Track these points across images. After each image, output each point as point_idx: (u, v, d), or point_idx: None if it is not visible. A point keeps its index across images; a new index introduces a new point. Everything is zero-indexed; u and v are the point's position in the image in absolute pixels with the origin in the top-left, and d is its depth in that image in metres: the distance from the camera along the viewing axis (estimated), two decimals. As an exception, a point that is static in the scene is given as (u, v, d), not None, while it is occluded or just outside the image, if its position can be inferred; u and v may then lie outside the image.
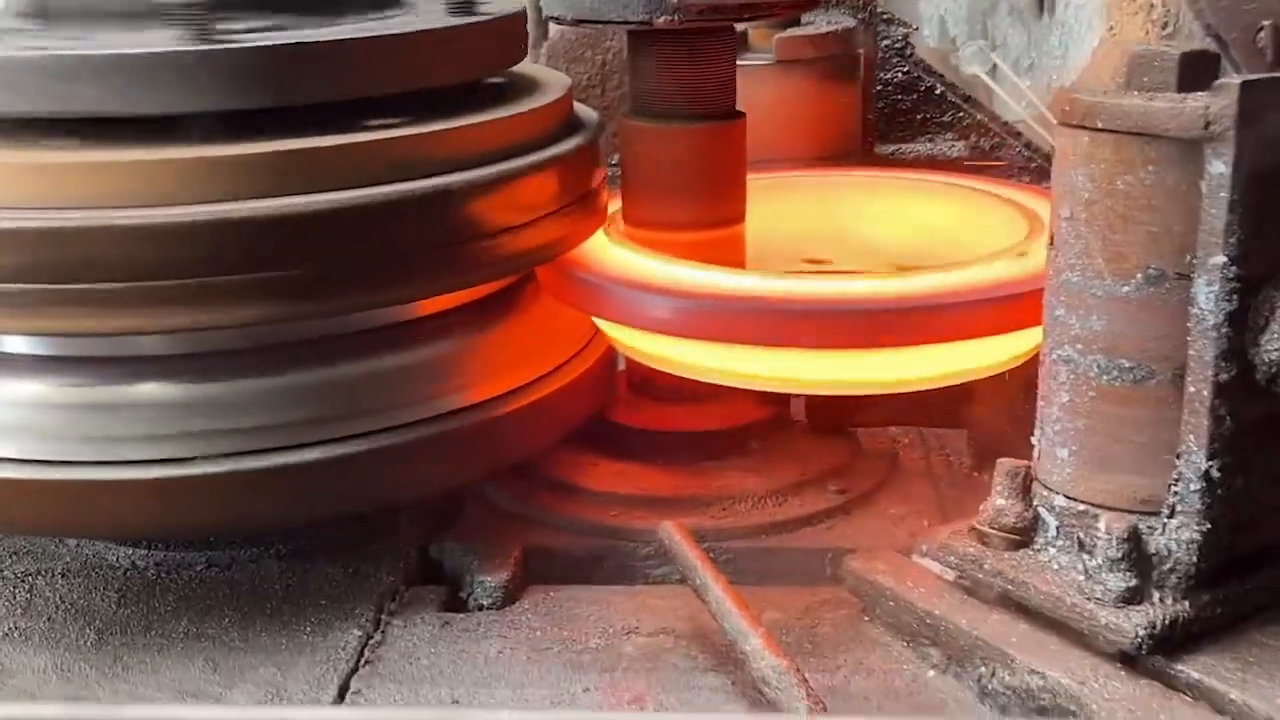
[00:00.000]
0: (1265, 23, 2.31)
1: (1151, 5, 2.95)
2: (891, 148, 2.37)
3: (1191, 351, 1.15)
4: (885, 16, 2.51)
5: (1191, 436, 1.16)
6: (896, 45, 2.56)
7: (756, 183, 1.69)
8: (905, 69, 2.57)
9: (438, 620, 1.39)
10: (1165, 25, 2.85)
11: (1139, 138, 1.16)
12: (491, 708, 1.22)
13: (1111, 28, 3.38)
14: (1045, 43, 4.43)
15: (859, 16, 2.16)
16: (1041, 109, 3.82)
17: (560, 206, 1.52)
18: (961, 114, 2.61)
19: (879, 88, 2.52)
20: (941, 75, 2.63)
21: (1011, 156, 2.59)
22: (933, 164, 2.39)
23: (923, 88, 2.58)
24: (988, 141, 2.63)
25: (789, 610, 1.40)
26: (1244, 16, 2.34)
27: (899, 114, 2.56)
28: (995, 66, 4.36)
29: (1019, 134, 2.63)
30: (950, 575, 1.33)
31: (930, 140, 2.55)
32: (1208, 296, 1.13)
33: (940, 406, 1.74)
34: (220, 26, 1.33)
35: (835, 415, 1.73)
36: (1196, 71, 1.18)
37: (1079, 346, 1.23)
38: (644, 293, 1.47)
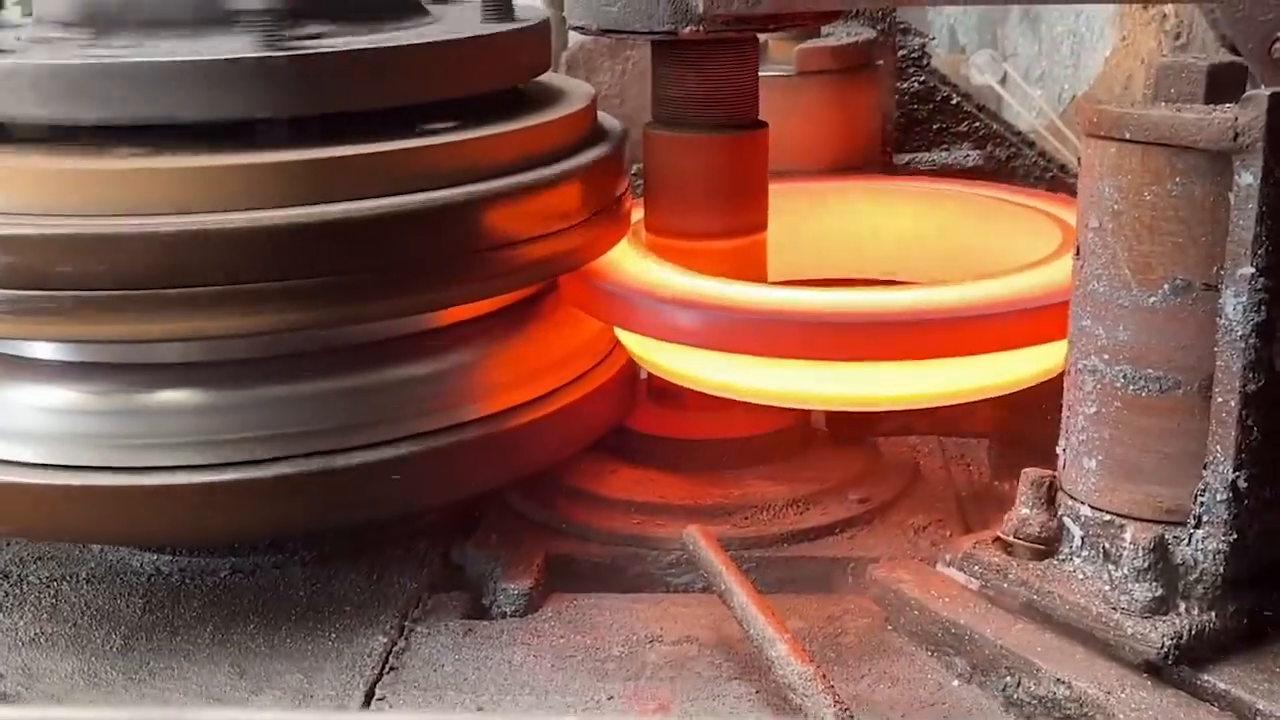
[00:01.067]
0: (1280, 33, 2.31)
1: (1164, 15, 2.96)
2: (907, 157, 2.38)
3: (1219, 362, 1.16)
4: (902, 26, 2.52)
5: (1218, 447, 1.17)
6: (913, 55, 2.57)
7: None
8: (922, 79, 2.58)
9: (461, 627, 1.40)
10: (1178, 35, 2.87)
11: (1167, 149, 1.16)
12: (520, 713, 1.23)
13: (1124, 37, 3.38)
14: (1056, 52, 4.44)
15: (878, 28, 2.16)
16: (1053, 118, 3.82)
17: (586, 215, 1.53)
18: (978, 123, 2.61)
19: (896, 97, 2.53)
20: (957, 85, 2.64)
21: (1027, 166, 2.60)
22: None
23: (939, 97, 2.58)
24: (1004, 151, 2.63)
25: (812, 619, 1.40)
26: (1260, 28, 2.35)
27: (915, 123, 2.57)
28: (1006, 76, 4.38)
29: (1033, 143, 2.63)
30: (974, 585, 1.34)
31: (946, 150, 2.55)
32: (1235, 307, 1.14)
33: (961, 417, 1.74)
34: (262, 34, 1.34)
35: (856, 425, 1.73)
36: (1224, 83, 1.18)
37: (1105, 357, 1.23)
38: (665, 304, 1.48)
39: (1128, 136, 1.18)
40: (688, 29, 1.45)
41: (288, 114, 1.34)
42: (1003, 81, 4.33)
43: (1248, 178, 1.11)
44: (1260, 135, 1.10)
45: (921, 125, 2.58)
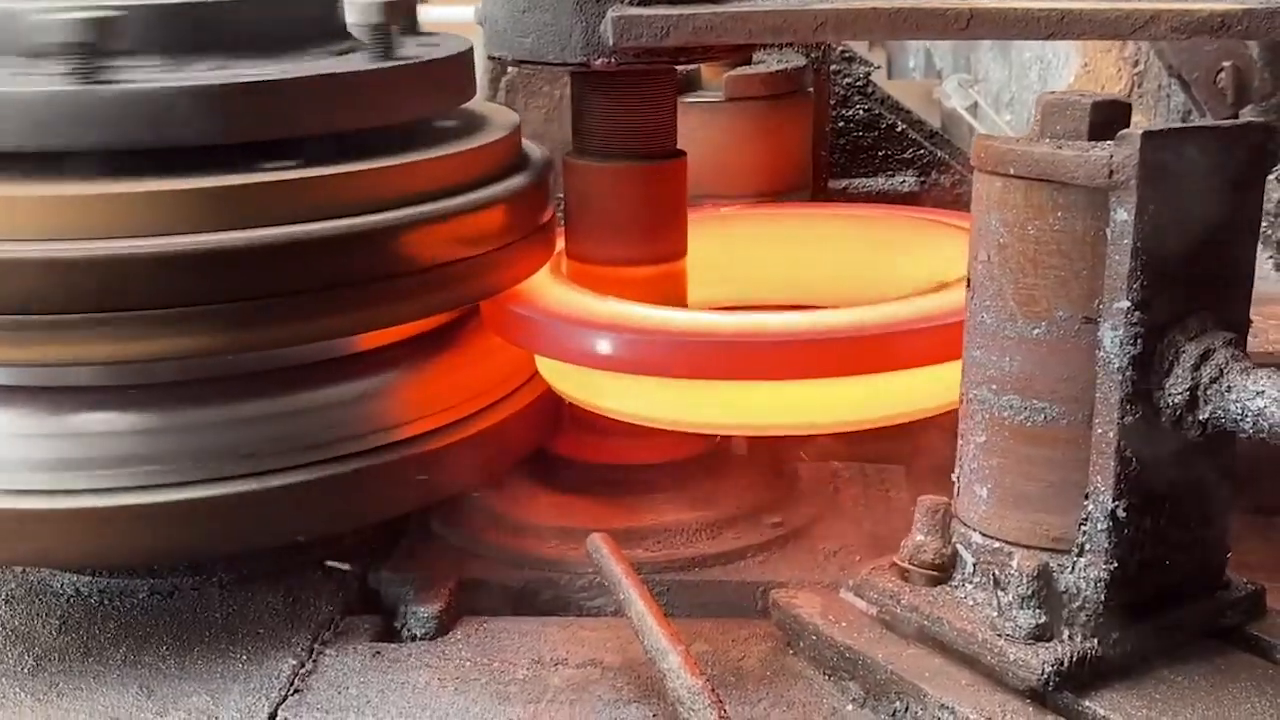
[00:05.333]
0: (1226, 64, 2.36)
1: (1123, 43, 2.99)
2: (845, 182, 2.40)
3: (1098, 394, 1.18)
4: (847, 55, 2.54)
5: (1099, 477, 1.19)
6: (858, 83, 2.60)
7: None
8: (867, 106, 2.61)
9: (369, 650, 1.41)
10: (1136, 63, 2.90)
11: (1048, 184, 1.19)
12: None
13: (1086, 64, 3.42)
14: (1025, 76, 4.48)
15: (810, 56, 2.19)
16: (1017, 143, 3.82)
17: (506, 242, 1.55)
18: (923, 150, 2.64)
19: (841, 124, 2.56)
20: (908, 112, 2.67)
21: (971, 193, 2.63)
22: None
23: (884, 125, 2.61)
24: (948, 178, 2.66)
25: (717, 643, 1.42)
26: (1206, 57, 2.39)
27: (860, 150, 2.60)
28: (976, 101, 4.40)
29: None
30: (872, 610, 1.35)
31: (890, 175, 2.58)
32: (1113, 340, 1.16)
33: (882, 442, 1.76)
34: (171, 67, 1.36)
35: (776, 449, 1.75)
36: (1107, 120, 1.20)
37: (994, 387, 1.25)
38: (578, 327, 1.50)
39: (1012, 172, 1.21)
40: (600, 61, 1.48)
41: (188, 143, 1.36)
42: (973, 106, 4.37)
43: (1122, 214, 1.13)
44: (1134, 173, 1.12)
45: (866, 152, 2.61)
